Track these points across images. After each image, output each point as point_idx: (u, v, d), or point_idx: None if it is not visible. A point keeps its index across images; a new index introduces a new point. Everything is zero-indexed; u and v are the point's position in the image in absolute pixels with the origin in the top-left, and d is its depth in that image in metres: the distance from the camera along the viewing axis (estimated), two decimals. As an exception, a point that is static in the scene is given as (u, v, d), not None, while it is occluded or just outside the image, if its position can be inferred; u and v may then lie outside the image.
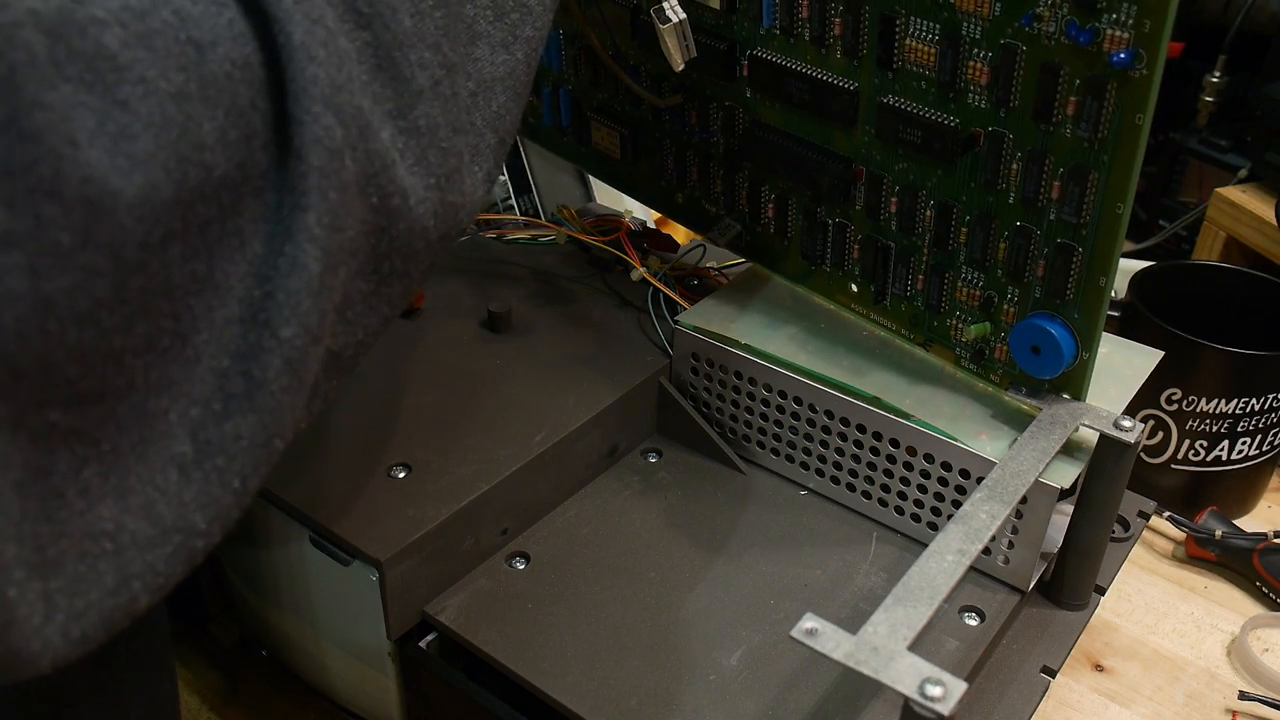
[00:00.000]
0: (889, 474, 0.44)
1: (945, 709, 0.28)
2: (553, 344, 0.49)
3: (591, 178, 0.62)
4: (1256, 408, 0.54)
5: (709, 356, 0.47)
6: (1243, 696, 0.48)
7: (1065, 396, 0.41)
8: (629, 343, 0.49)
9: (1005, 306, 0.41)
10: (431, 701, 0.41)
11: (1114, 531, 0.45)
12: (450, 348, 0.49)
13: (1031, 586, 0.42)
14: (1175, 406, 0.55)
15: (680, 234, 0.60)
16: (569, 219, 0.56)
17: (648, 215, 0.70)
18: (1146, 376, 0.44)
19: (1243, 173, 0.71)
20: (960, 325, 0.42)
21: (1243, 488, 0.59)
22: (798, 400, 0.45)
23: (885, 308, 0.45)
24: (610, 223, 0.56)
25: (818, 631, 0.30)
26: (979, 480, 0.39)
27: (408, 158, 0.29)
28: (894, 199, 0.42)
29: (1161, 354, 0.46)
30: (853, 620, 0.40)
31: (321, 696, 0.46)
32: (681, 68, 0.43)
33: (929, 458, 0.42)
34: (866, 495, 0.45)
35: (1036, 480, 0.37)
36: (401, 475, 0.41)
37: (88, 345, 0.22)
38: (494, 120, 0.33)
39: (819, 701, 0.37)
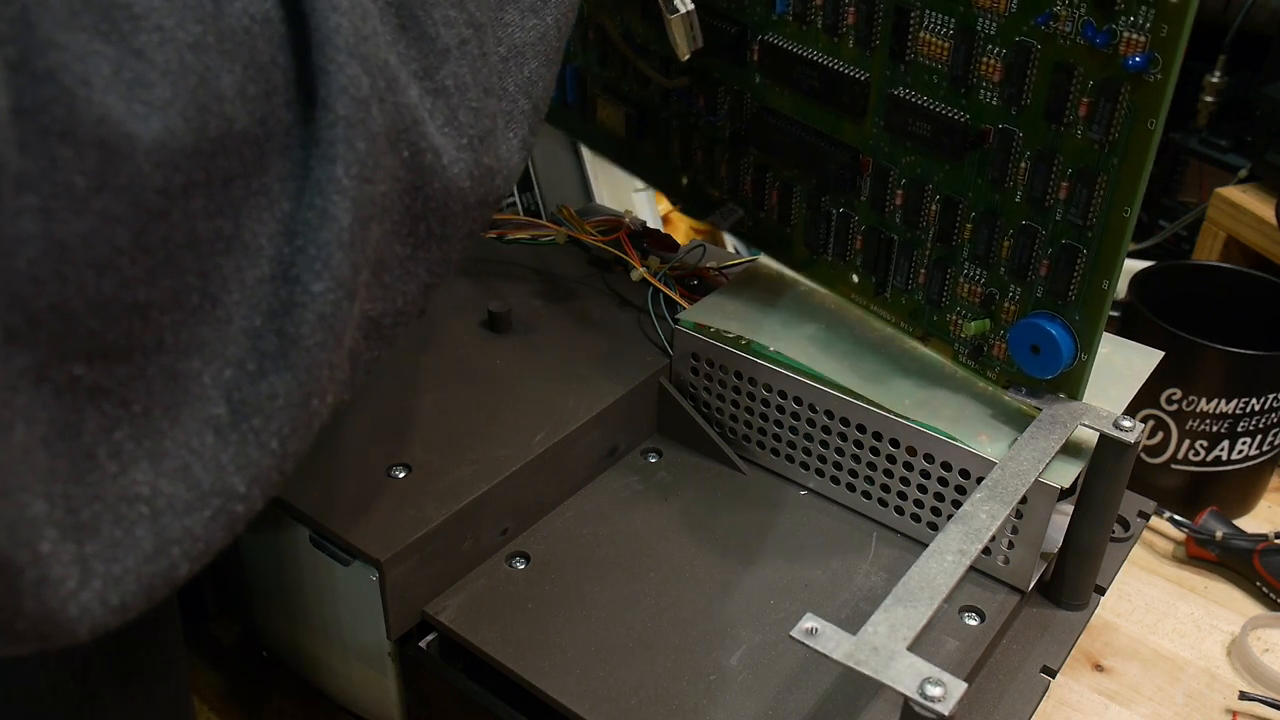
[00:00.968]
0: (889, 474, 0.44)
1: (945, 709, 0.28)
2: (553, 344, 0.49)
3: (591, 177, 0.62)
4: (1256, 408, 0.54)
5: (709, 356, 0.47)
6: (1243, 696, 0.48)
7: (1062, 396, 0.41)
8: (629, 343, 0.49)
9: (1006, 304, 0.41)
10: (431, 701, 0.41)
11: (1114, 531, 0.45)
12: (450, 348, 0.49)
13: (1031, 586, 0.42)
14: (1175, 406, 0.55)
15: (680, 234, 0.60)
16: (569, 219, 0.56)
17: (648, 215, 0.70)
18: (1146, 376, 0.44)
19: (1243, 173, 0.71)
20: (960, 321, 0.43)
21: (1243, 488, 0.59)
22: (798, 400, 0.45)
23: (885, 300, 0.45)
24: (610, 223, 0.56)
25: (818, 631, 0.30)
26: (979, 480, 0.39)
27: (437, 118, 0.29)
28: (900, 192, 0.42)
29: (1161, 354, 0.46)
30: (853, 620, 0.40)
31: (321, 696, 0.46)
32: (688, 57, 0.43)
33: (929, 458, 0.42)
34: (866, 495, 0.45)
35: (1036, 480, 0.37)
36: (401, 475, 0.41)
37: (108, 295, 0.22)
38: (526, 86, 0.33)
39: (819, 701, 0.37)
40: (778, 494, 0.47)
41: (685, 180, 0.51)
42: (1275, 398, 0.54)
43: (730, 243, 0.70)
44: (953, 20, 0.37)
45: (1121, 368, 0.45)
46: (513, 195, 0.63)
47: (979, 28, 0.37)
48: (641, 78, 0.49)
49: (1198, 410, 0.55)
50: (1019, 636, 0.42)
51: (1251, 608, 0.54)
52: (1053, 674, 0.41)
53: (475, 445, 0.43)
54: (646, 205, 0.70)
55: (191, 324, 0.24)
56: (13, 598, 0.21)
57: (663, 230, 0.57)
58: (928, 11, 0.38)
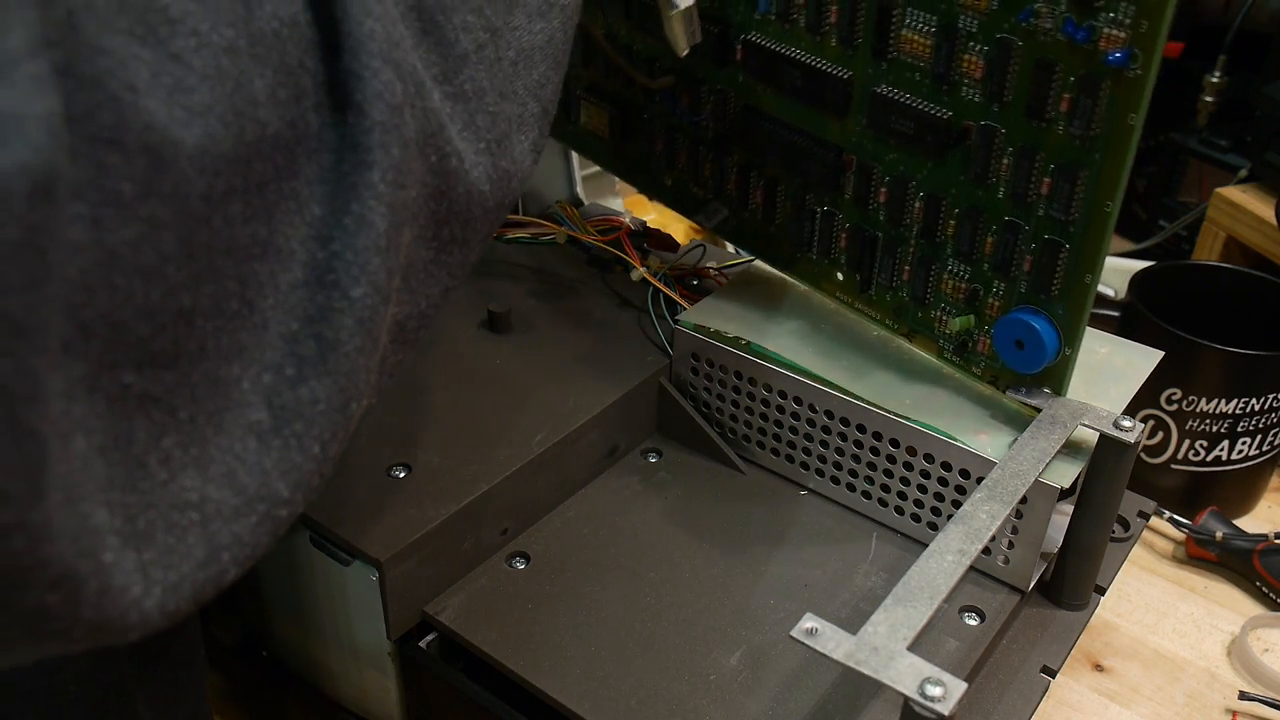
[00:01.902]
0: (889, 474, 0.44)
1: (945, 709, 0.28)
2: (553, 344, 0.49)
3: (578, 174, 0.62)
4: (1256, 408, 0.54)
5: (709, 356, 0.47)
6: (1243, 696, 0.48)
7: (1046, 390, 0.41)
8: (629, 343, 0.49)
9: (990, 300, 0.41)
10: (431, 701, 0.41)
11: (1114, 531, 0.45)
12: (450, 348, 0.49)
13: (1031, 586, 0.42)
14: (1175, 406, 0.55)
15: (680, 234, 0.60)
16: (570, 218, 0.56)
17: (647, 215, 0.70)
18: (1146, 376, 0.44)
19: (1243, 173, 0.71)
20: (944, 317, 0.43)
21: (1243, 488, 0.59)
22: (798, 400, 0.45)
23: (870, 297, 0.45)
24: (610, 222, 0.56)
25: (818, 631, 0.30)
26: (979, 480, 0.39)
27: (456, 122, 0.29)
28: (883, 189, 0.42)
29: (1161, 354, 0.46)
30: (853, 620, 0.40)
31: (321, 696, 0.46)
32: (685, 53, 0.43)
33: (929, 458, 0.42)
34: (866, 495, 0.45)
35: (1036, 480, 0.37)
36: (401, 475, 0.41)
37: (156, 302, 0.22)
38: (535, 89, 0.33)
39: (819, 701, 0.37)
40: (778, 494, 0.47)
41: (669, 181, 0.51)
42: (1275, 398, 0.54)
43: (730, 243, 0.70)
44: (934, 18, 0.37)
45: (1121, 368, 0.45)
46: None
47: (960, 25, 0.37)
48: (625, 79, 0.49)
49: (1198, 410, 0.55)
50: (1019, 636, 0.42)
51: (1251, 608, 0.54)
52: (1053, 674, 0.41)
53: (475, 445, 0.43)
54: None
55: (231, 329, 0.24)
56: (73, 607, 0.21)
57: (662, 230, 0.57)
58: (909, 9, 0.38)
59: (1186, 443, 0.56)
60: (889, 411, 0.42)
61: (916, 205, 0.41)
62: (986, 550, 0.41)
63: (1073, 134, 0.35)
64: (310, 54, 0.25)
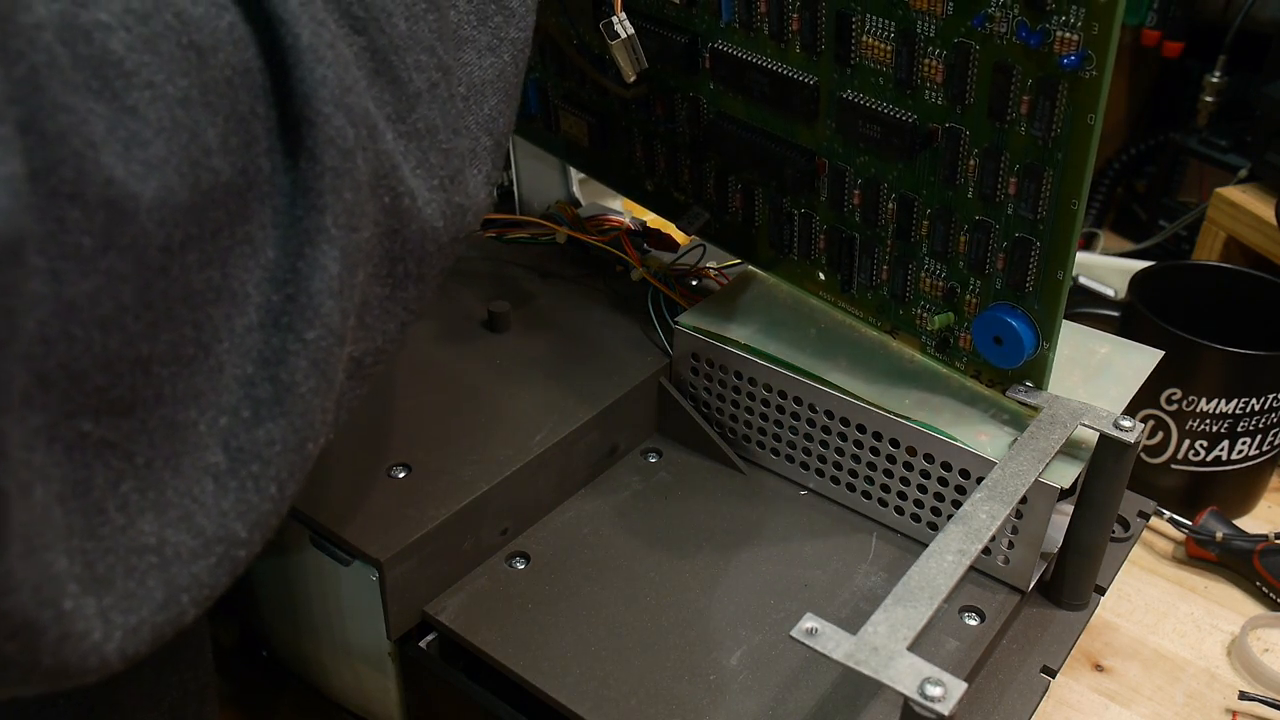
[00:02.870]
0: (889, 474, 0.44)
1: (945, 709, 0.28)
2: (553, 344, 0.49)
3: (576, 175, 0.62)
4: (1256, 408, 0.54)
5: (709, 356, 0.47)
6: (1243, 696, 0.48)
7: (1028, 384, 0.41)
8: (629, 343, 0.49)
9: (968, 297, 0.41)
10: (431, 701, 0.41)
11: (1114, 531, 0.45)
12: (450, 348, 0.49)
13: (1031, 586, 0.42)
14: (1175, 406, 0.55)
15: (680, 234, 0.60)
16: (570, 218, 0.56)
17: (647, 215, 0.70)
18: (1146, 376, 0.44)
19: (1243, 173, 0.71)
20: (925, 315, 0.43)
21: (1243, 488, 0.59)
22: (798, 400, 0.45)
23: (852, 296, 0.45)
24: (610, 222, 0.56)
25: (818, 631, 0.30)
26: (979, 480, 0.39)
27: (410, 160, 0.29)
28: (857, 191, 0.42)
29: (1161, 354, 0.46)
30: (853, 620, 0.40)
31: (321, 696, 0.46)
32: (633, 79, 0.43)
33: (929, 458, 0.42)
34: (866, 495, 0.45)
35: (1036, 480, 0.37)
36: (401, 475, 0.41)
37: (114, 352, 0.22)
38: (487, 123, 0.33)
39: (819, 701, 0.37)
40: (777, 494, 0.47)
41: (650, 186, 0.51)
42: (1275, 398, 0.54)
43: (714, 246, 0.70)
44: (893, 24, 0.38)
45: (1121, 368, 0.45)
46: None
47: (918, 30, 0.37)
48: (599, 88, 0.50)
49: (1198, 410, 0.55)
50: (1019, 636, 0.42)
51: (1251, 608, 0.54)
52: (1053, 674, 0.41)
53: (475, 445, 0.43)
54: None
55: (187, 375, 0.24)
56: (32, 654, 0.21)
57: (662, 230, 0.57)
58: (868, 15, 0.38)
59: (1186, 443, 0.56)
60: (889, 411, 0.42)
61: (890, 207, 0.41)
62: (986, 550, 0.41)
63: (1034, 135, 0.36)
64: (261, 100, 0.25)
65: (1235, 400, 0.54)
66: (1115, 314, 0.59)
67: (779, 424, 0.46)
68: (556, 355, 0.48)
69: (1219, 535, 0.54)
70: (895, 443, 0.43)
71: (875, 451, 0.44)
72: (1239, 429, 0.55)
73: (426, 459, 0.42)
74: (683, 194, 0.50)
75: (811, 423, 0.45)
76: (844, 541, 0.44)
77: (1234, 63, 0.76)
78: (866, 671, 0.29)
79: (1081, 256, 0.76)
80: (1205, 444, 0.56)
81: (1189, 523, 0.55)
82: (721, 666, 0.38)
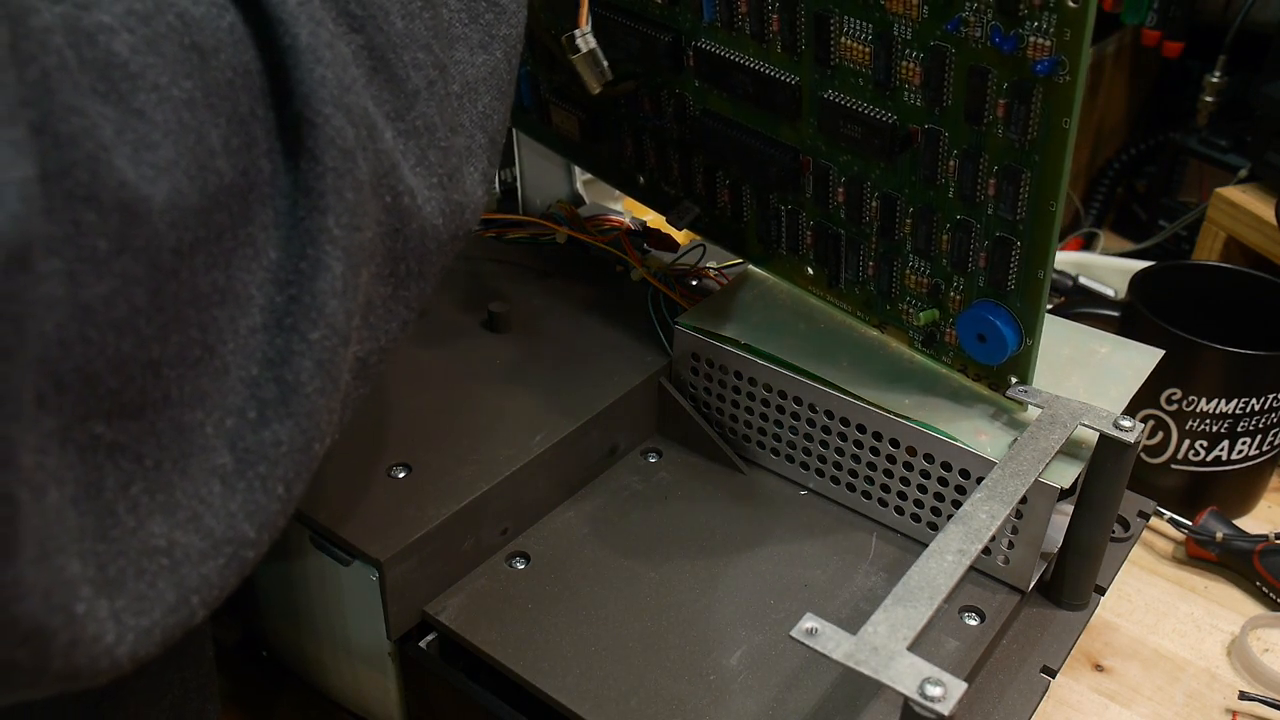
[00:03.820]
0: (889, 474, 0.44)
1: (945, 709, 0.28)
2: (553, 344, 0.49)
3: (578, 174, 0.62)
4: (1256, 408, 0.54)
5: (709, 356, 0.47)
6: (1243, 696, 0.48)
7: (1014, 380, 0.41)
8: (629, 343, 0.49)
9: (952, 294, 0.41)
10: (431, 701, 0.41)
11: (1114, 531, 0.45)
12: (450, 348, 0.49)
13: (1031, 586, 0.42)
14: (1175, 406, 0.55)
15: (680, 234, 0.60)
16: (570, 218, 0.56)
17: (647, 215, 0.70)
18: (1146, 376, 0.44)
19: (1243, 173, 0.71)
20: (911, 310, 0.43)
21: (1243, 488, 0.59)
22: (798, 400, 0.45)
23: (840, 291, 0.46)
24: (610, 222, 0.56)
25: (818, 631, 0.30)
26: (979, 480, 0.39)
27: (409, 158, 0.29)
28: (840, 189, 0.42)
29: (1161, 354, 0.46)
30: (853, 620, 0.40)
31: (321, 696, 0.46)
32: (598, 91, 0.43)
33: (929, 458, 0.42)
34: (866, 495, 0.45)
35: (1036, 480, 0.37)
36: (401, 475, 0.41)
37: (127, 355, 0.22)
38: (482, 120, 0.33)
39: (819, 701, 0.37)
40: (777, 494, 0.47)
41: (643, 179, 0.51)
42: (1275, 398, 0.54)
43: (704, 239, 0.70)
44: (870, 26, 0.38)
45: (1121, 368, 0.45)
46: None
47: (895, 33, 0.37)
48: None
49: (1198, 410, 0.55)
50: (1019, 636, 0.42)
51: (1251, 608, 0.54)
52: (1053, 674, 0.41)
53: (475, 445, 0.43)
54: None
55: (193, 377, 0.24)
56: (43, 659, 0.21)
57: (662, 230, 0.57)
58: (846, 17, 0.38)
59: (1186, 443, 0.56)
60: (889, 411, 0.42)
61: (873, 205, 0.42)
62: (986, 550, 0.41)
63: (1011, 138, 0.36)
64: (260, 101, 0.25)
65: (1235, 400, 0.54)
66: (1115, 314, 0.59)
67: (779, 424, 0.46)
68: (556, 355, 0.48)
69: (1219, 535, 0.54)
70: (895, 443, 0.43)
71: (875, 451, 0.44)
72: (1239, 429, 0.55)
73: (426, 459, 0.42)
74: (673, 188, 0.50)
75: (811, 423, 0.45)
76: (844, 541, 0.44)
77: (1234, 63, 0.76)
78: (866, 671, 0.29)
79: (1081, 256, 0.76)
80: (1205, 444, 0.56)
81: (1189, 523, 0.55)
82: (721, 666, 0.38)
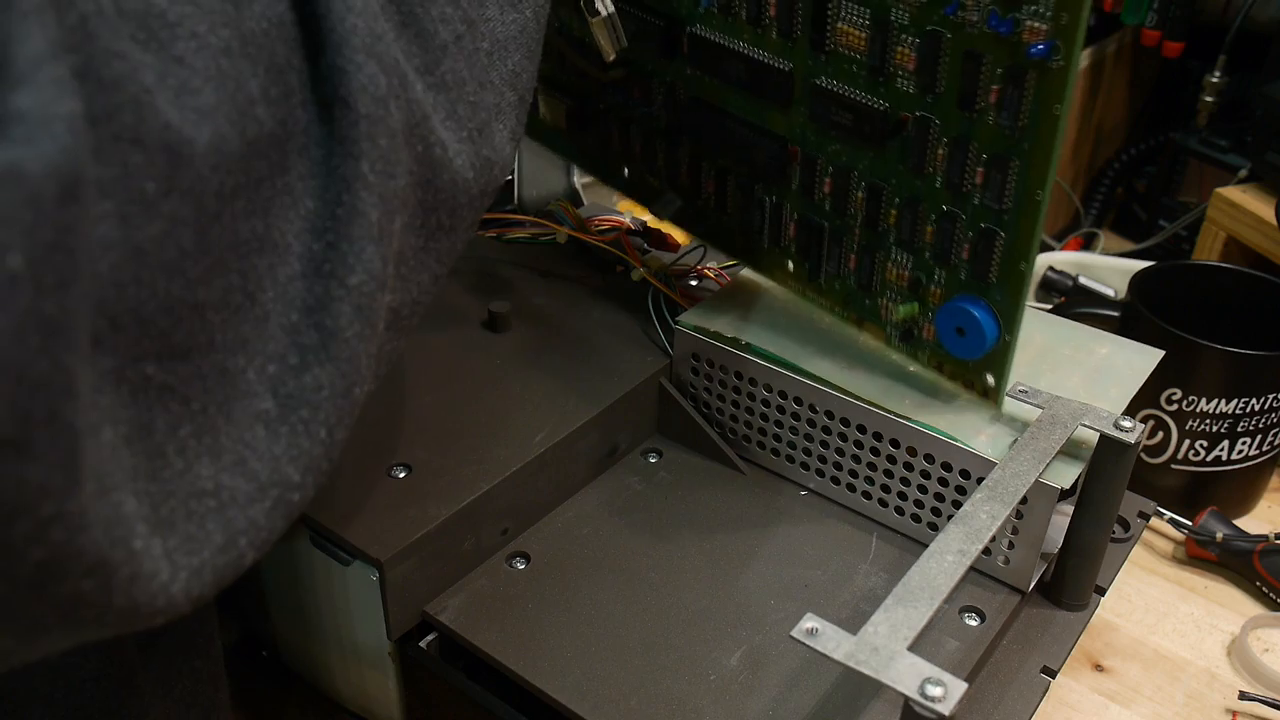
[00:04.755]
0: (889, 474, 0.44)
1: (945, 709, 0.28)
2: (553, 344, 0.49)
3: (578, 173, 0.62)
4: (1256, 408, 0.54)
5: (709, 356, 0.47)
6: (1243, 696, 0.48)
7: (989, 378, 0.41)
8: (629, 343, 0.49)
9: (933, 288, 0.41)
10: (431, 701, 0.41)
11: (1114, 532, 0.45)
12: (450, 348, 0.49)
13: (1031, 587, 0.42)
14: (1175, 406, 0.55)
15: (680, 234, 0.60)
16: (570, 217, 0.56)
17: (646, 215, 0.70)
18: (1146, 376, 0.44)
19: (1243, 173, 0.71)
20: (890, 305, 0.43)
21: (1243, 488, 0.59)
22: (798, 400, 0.45)
23: (820, 285, 0.46)
24: (610, 222, 0.56)
25: (818, 631, 0.30)
26: (979, 480, 0.39)
27: (439, 112, 0.30)
28: (827, 179, 0.43)
29: (1161, 354, 0.46)
30: (853, 620, 0.40)
31: (321, 696, 0.46)
32: (613, 58, 0.43)
33: (929, 458, 0.42)
34: (866, 495, 0.45)
35: (1036, 480, 0.37)
36: (401, 475, 0.41)
37: (176, 297, 0.23)
38: (511, 78, 0.34)
39: (819, 701, 0.37)
40: (778, 494, 0.47)
41: (627, 171, 0.52)
42: (1275, 398, 0.54)
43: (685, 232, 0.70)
44: (868, 10, 0.38)
45: (1121, 368, 0.45)
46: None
47: (893, 17, 0.38)
48: (578, 72, 0.50)
49: (1198, 410, 0.55)
50: (1019, 636, 0.42)
51: (1251, 608, 0.54)
52: (1053, 674, 0.41)
53: (475, 445, 0.43)
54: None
55: (236, 322, 0.25)
56: (106, 594, 0.21)
57: (662, 230, 0.57)
58: (844, 2, 0.39)
59: (1186, 443, 0.56)
60: (889, 411, 0.42)
61: (859, 195, 0.42)
62: (987, 550, 0.41)
63: (1002, 125, 0.36)
64: (295, 52, 0.26)
65: (1235, 400, 0.54)
66: (1115, 314, 0.59)
67: (779, 424, 0.46)
68: (556, 355, 0.48)
69: (1219, 535, 0.54)
70: (895, 443, 0.43)
71: (875, 452, 0.44)
72: (1239, 429, 0.55)
73: (427, 459, 0.42)
74: (657, 179, 0.50)
75: (811, 423, 0.45)
76: (844, 541, 0.44)
77: (1234, 63, 0.76)
78: (867, 671, 0.29)
79: (1081, 256, 0.76)
80: (1205, 444, 0.56)
81: (1189, 523, 0.55)
82: (721, 666, 0.38)
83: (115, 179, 0.21)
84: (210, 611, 0.39)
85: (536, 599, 0.41)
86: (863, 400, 0.43)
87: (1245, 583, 0.55)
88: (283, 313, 0.26)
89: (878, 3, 0.38)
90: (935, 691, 0.28)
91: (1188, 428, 0.56)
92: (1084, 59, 0.79)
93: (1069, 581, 0.43)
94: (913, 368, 0.44)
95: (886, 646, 0.29)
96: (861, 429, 0.44)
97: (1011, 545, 0.41)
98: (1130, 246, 0.83)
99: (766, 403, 0.46)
